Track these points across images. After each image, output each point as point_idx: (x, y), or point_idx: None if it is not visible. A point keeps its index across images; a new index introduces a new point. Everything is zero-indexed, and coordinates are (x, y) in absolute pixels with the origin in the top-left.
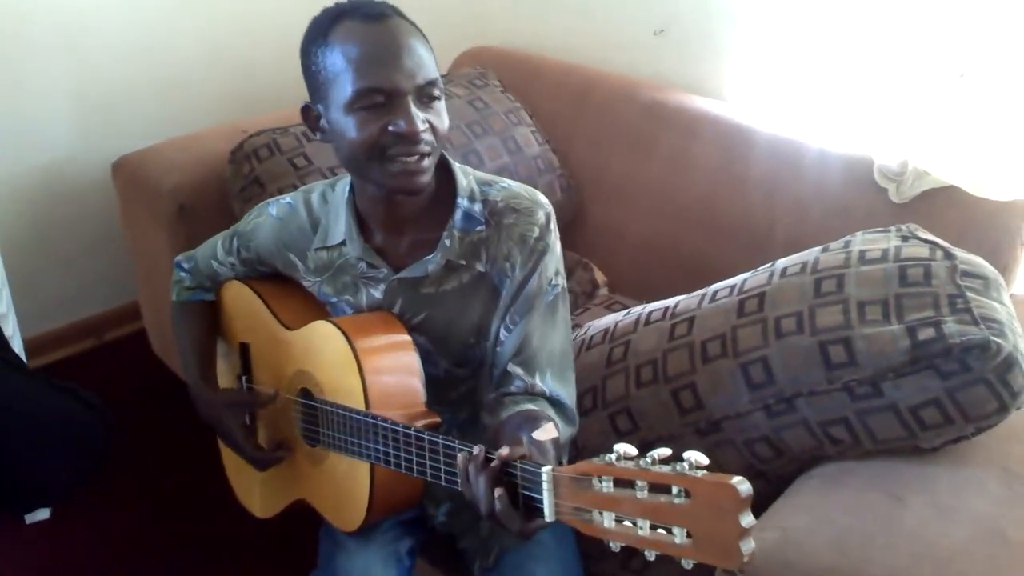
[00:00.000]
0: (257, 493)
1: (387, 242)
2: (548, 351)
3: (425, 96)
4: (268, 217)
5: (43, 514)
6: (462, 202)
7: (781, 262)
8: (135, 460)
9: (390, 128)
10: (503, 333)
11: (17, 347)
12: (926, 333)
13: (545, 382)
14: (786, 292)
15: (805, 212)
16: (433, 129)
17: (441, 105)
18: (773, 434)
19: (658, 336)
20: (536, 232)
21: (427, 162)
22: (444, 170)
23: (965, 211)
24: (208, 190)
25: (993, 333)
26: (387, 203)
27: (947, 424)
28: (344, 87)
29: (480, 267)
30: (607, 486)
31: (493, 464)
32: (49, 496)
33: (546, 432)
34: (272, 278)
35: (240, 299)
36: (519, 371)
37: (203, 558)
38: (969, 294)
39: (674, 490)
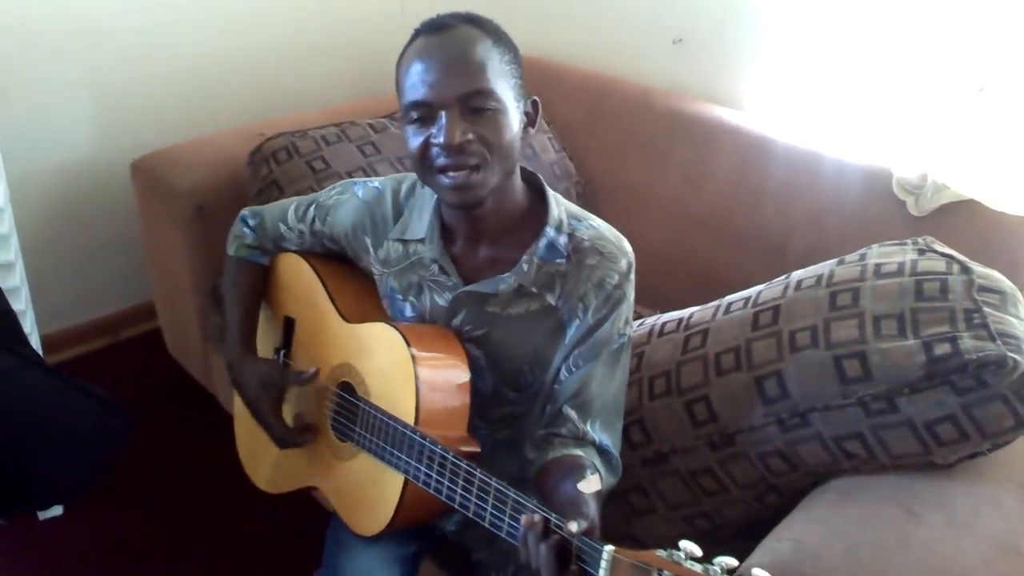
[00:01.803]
0: (266, 467)
1: (465, 251)
2: (603, 399)
3: (473, 107)
4: (353, 197)
5: (56, 511)
6: (550, 231)
7: (796, 274)
8: (145, 458)
9: (431, 140)
10: (564, 373)
11: (35, 344)
12: (942, 348)
13: (594, 429)
14: (801, 305)
15: (822, 223)
16: (484, 140)
17: (497, 116)
18: (787, 448)
19: (672, 348)
20: (616, 280)
21: (477, 176)
22: (538, 194)
23: (983, 225)
24: (226, 191)
25: (1010, 349)
26: (465, 215)
27: (963, 440)
28: (402, 102)
29: (551, 300)
30: None
31: (556, 538)
32: (64, 493)
33: (590, 484)
34: (334, 261)
35: (297, 274)
36: (573, 415)
37: (210, 556)
38: (986, 309)
39: None
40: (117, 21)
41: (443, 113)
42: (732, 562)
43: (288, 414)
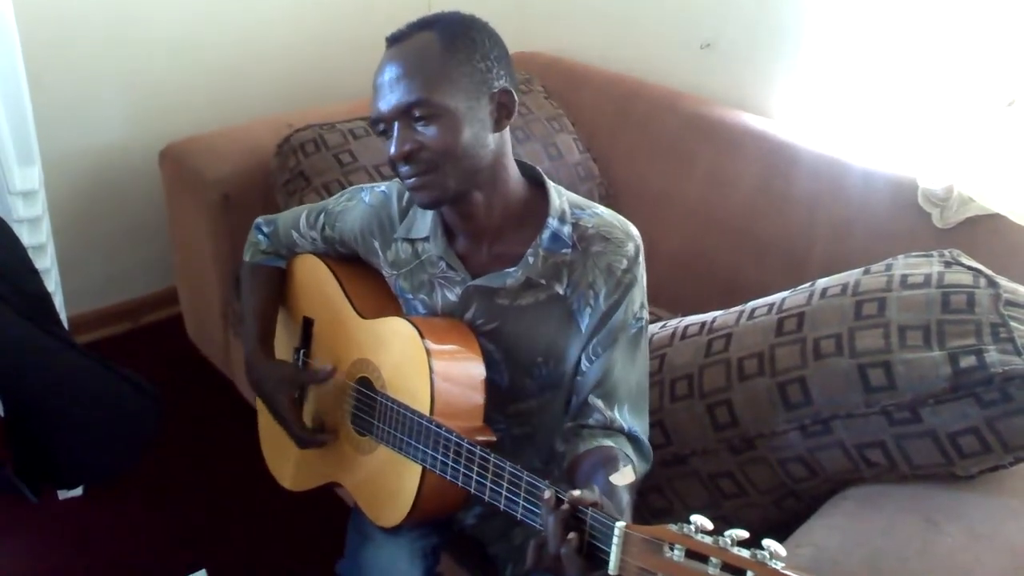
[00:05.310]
0: (290, 466)
1: (470, 249)
2: (627, 384)
3: (416, 117)
4: (360, 203)
5: (76, 491)
6: (552, 222)
7: (821, 282)
8: (162, 443)
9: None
10: (585, 363)
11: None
12: (967, 361)
13: (623, 416)
14: (826, 313)
15: (846, 233)
16: (429, 148)
17: (441, 123)
18: (808, 454)
19: (694, 351)
20: (624, 264)
21: (431, 178)
22: (538, 188)
23: (1009, 239)
24: (253, 181)
25: None
26: (457, 214)
27: (985, 453)
28: None
29: (559, 289)
30: (678, 555)
31: (564, 507)
32: (93, 475)
33: (623, 476)
34: (350, 261)
35: (314, 275)
36: (599, 403)
37: (231, 545)
38: (1012, 323)
39: (749, 574)
40: (151, 11)
41: (391, 126)
42: (743, 534)
43: (308, 413)
